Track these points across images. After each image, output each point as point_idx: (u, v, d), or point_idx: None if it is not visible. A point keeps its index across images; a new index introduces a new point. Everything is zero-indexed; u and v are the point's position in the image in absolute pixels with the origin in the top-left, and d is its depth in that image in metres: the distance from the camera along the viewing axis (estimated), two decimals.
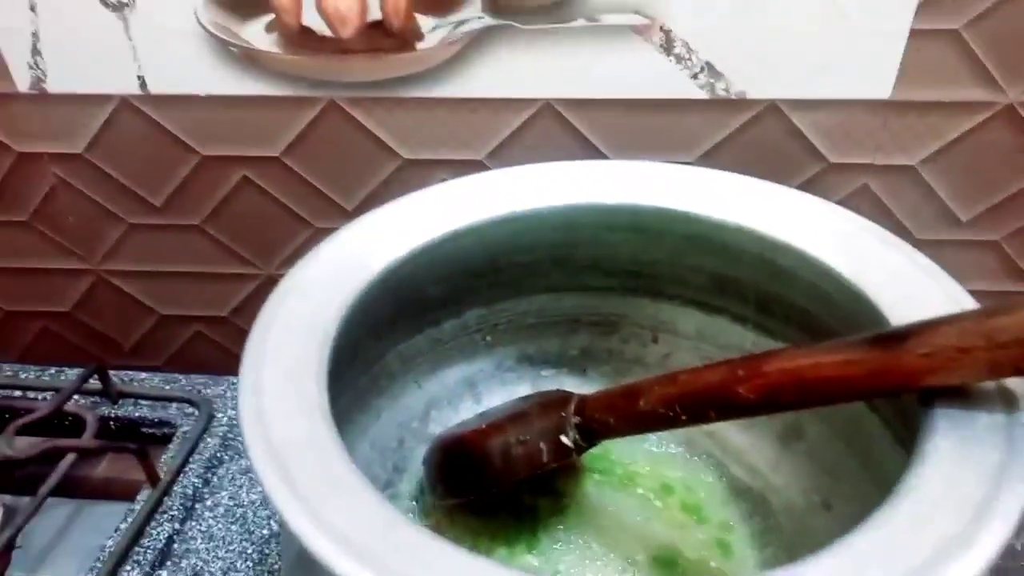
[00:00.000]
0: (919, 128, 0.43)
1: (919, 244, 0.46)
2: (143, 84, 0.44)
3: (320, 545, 0.18)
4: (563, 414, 0.30)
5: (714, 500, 0.35)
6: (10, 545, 0.36)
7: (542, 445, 0.30)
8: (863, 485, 0.30)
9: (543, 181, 0.34)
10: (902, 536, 0.19)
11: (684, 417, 0.26)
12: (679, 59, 0.41)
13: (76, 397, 0.45)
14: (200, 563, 0.37)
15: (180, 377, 0.48)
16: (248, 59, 0.43)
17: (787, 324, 0.32)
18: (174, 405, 0.46)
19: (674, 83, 0.42)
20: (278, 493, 0.19)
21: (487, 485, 0.31)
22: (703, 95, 0.42)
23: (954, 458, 0.20)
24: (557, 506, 0.34)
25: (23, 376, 0.48)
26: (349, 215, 0.43)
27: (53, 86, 0.45)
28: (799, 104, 0.42)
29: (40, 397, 0.46)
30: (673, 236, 0.33)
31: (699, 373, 0.26)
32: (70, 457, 0.39)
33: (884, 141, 0.43)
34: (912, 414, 0.26)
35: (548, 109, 0.43)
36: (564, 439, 0.29)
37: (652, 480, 0.35)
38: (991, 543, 0.18)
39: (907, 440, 0.28)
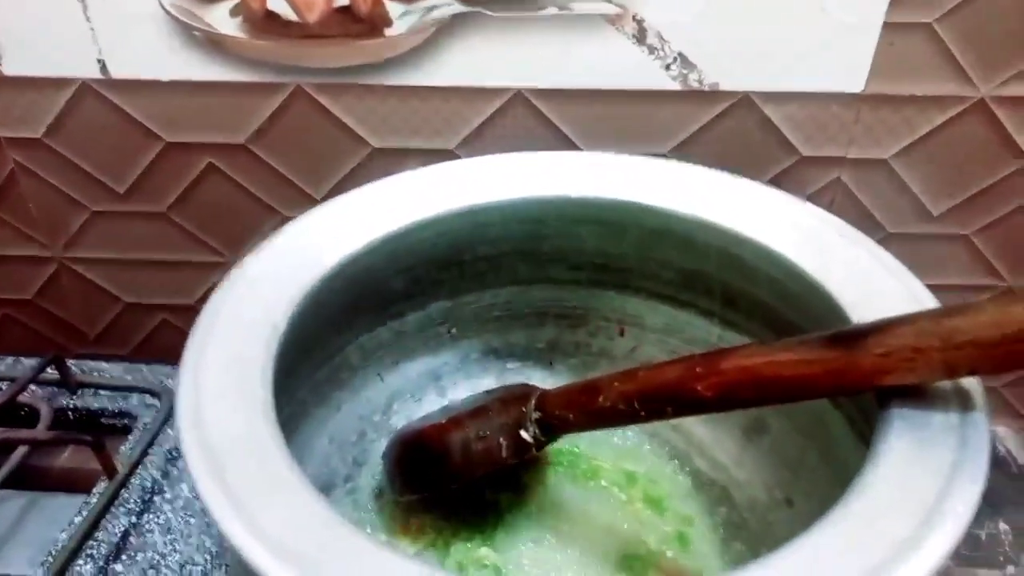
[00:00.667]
0: (892, 122, 0.43)
1: (891, 238, 0.47)
2: (104, 68, 0.43)
3: (254, 552, 0.17)
4: (523, 409, 0.29)
5: (677, 494, 0.35)
6: None
7: (501, 440, 0.29)
8: (825, 482, 0.30)
9: (509, 172, 0.33)
10: (854, 538, 0.18)
11: (643, 413, 0.25)
12: (652, 49, 0.41)
13: (33, 388, 0.44)
14: (157, 557, 0.36)
15: (142, 367, 0.47)
16: (212, 44, 0.42)
17: (752, 319, 0.32)
18: (135, 395, 0.45)
19: (647, 74, 0.41)
20: (211, 497, 0.18)
21: (446, 480, 0.31)
22: (676, 86, 0.42)
23: (908, 458, 0.20)
24: (519, 500, 0.34)
25: None
26: (318, 204, 0.43)
27: (9, 68, 0.43)
28: (772, 96, 0.42)
29: None
30: (640, 230, 0.32)
31: (658, 370, 0.25)
32: (22, 449, 0.38)
33: (857, 134, 0.43)
34: (875, 412, 0.26)
35: (519, 99, 0.43)
36: (524, 434, 0.29)
37: (616, 473, 0.35)
38: (941, 545, 0.18)
39: (869, 438, 0.28)
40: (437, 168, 0.33)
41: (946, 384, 0.22)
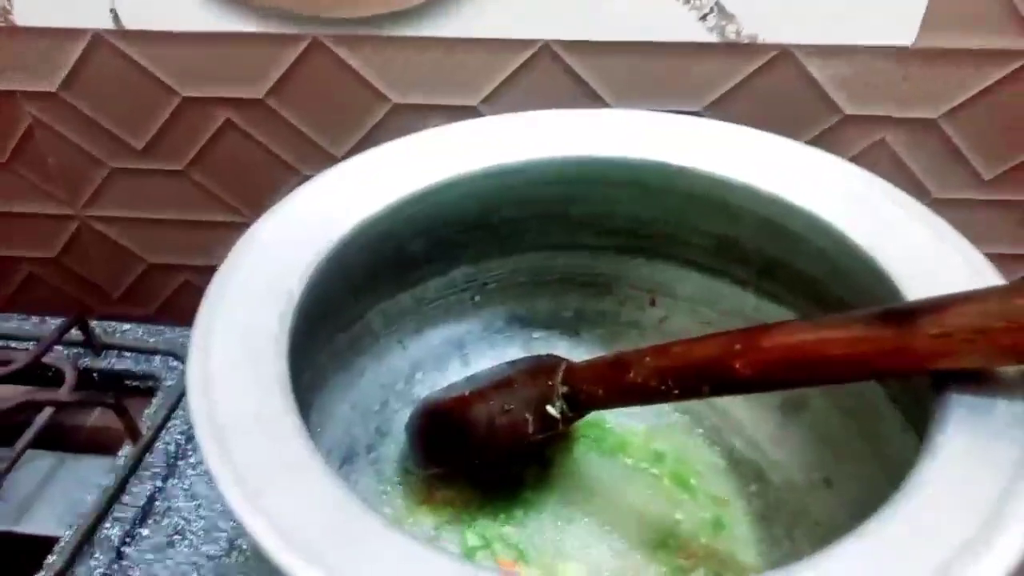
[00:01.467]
0: (943, 78, 0.40)
1: (937, 204, 0.45)
2: (116, 18, 0.42)
3: (265, 538, 0.16)
4: (550, 383, 0.28)
5: (710, 473, 0.33)
6: None
7: (527, 415, 0.28)
8: (867, 464, 0.29)
9: (538, 130, 0.31)
10: (908, 539, 0.17)
11: (676, 391, 0.24)
12: None
13: (59, 348, 0.44)
14: (182, 522, 0.36)
15: (165, 328, 0.47)
16: None
17: (792, 291, 0.30)
18: (158, 358, 0.45)
19: (681, 25, 0.39)
20: (222, 479, 0.17)
21: (470, 455, 0.30)
22: (712, 38, 0.39)
23: (968, 452, 0.18)
24: (544, 475, 0.33)
25: (3, 325, 0.47)
26: (338, 162, 0.41)
27: (21, 19, 0.42)
28: (815, 50, 0.39)
29: (21, 347, 0.45)
30: (675, 194, 0.30)
31: (693, 345, 0.24)
32: (47, 411, 0.37)
33: (905, 92, 0.40)
34: (925, 392, 0.25)
35: (547, 51, 0.40)
36: (550, 409, 0.28)
37: (645, 450, 0.34)
38: (1008, 549, 0.16)
39: (918, 420, 0.26)
40: (461, 125, 0.31)
41: (1010, 370, 0.20)
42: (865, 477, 0.29)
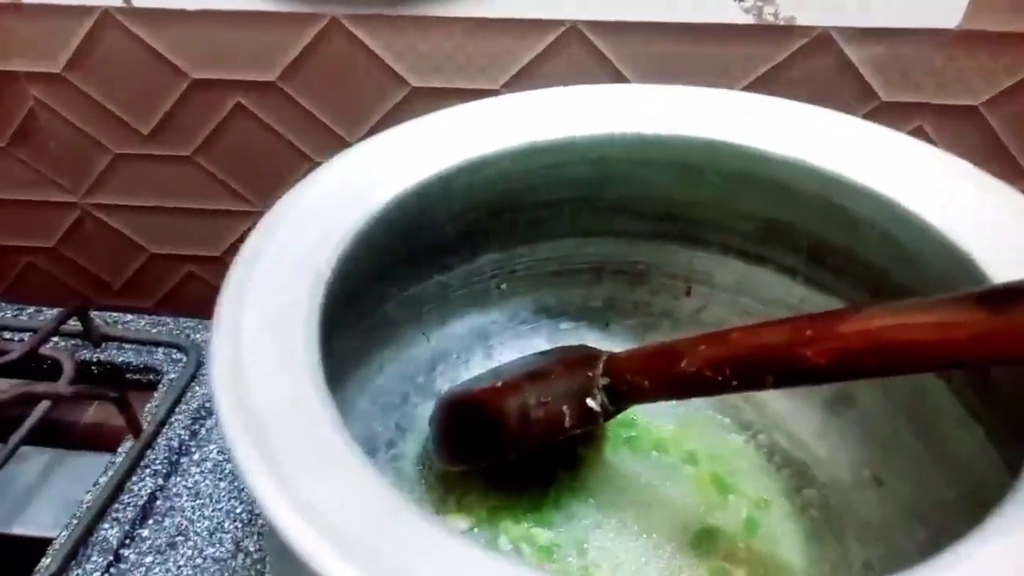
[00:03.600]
0: (989, 63, 0.38)
1: None
2: None
3: (303, 538, 0.14)
4: (590, 374, 0.26)
5: (750, 472, 0.31)
6: None
7: (565, 408, 0.26)
8: (922, 461, 0.27)
9: (571, 107, 0.30)
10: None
11: (735, 383, 0.22)
12: None
13: (56, 339, 0.42)
14: (185, 522, 0.34)
15: (168, 320, 0.45)
16: None
17: (848, 279, 0.28)
18: (161, 350, 0.43)
19: (716, 5, 0.37)
20: (253, 473, 0.15)
21: (501, 451, 0.28)
22: (748, 20, 0.38)
23: None
24: (574, 475, 0.31)
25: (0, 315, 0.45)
26: (363, 140, 0.40)
27: None
28: (854, 33, 0.38)
29: (18, 338, 0.42)
30: (720, 173, 0.28)
31: (755, 332, 0.22)
32: (44, 404, 0.35)
33: (947, 77, 0.39)
34: (992, 383, 0.23)
35: (574, 32, 0.39)
36: (590, 402, 0.26)
37: (680, 448, 0.32)
38: None
39: (983, 414, 0.25)
40: (491, 102, 0.30)
41: None
42: (920, 474, 0.27)
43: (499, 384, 0.28)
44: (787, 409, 0.32)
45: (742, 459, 0.32)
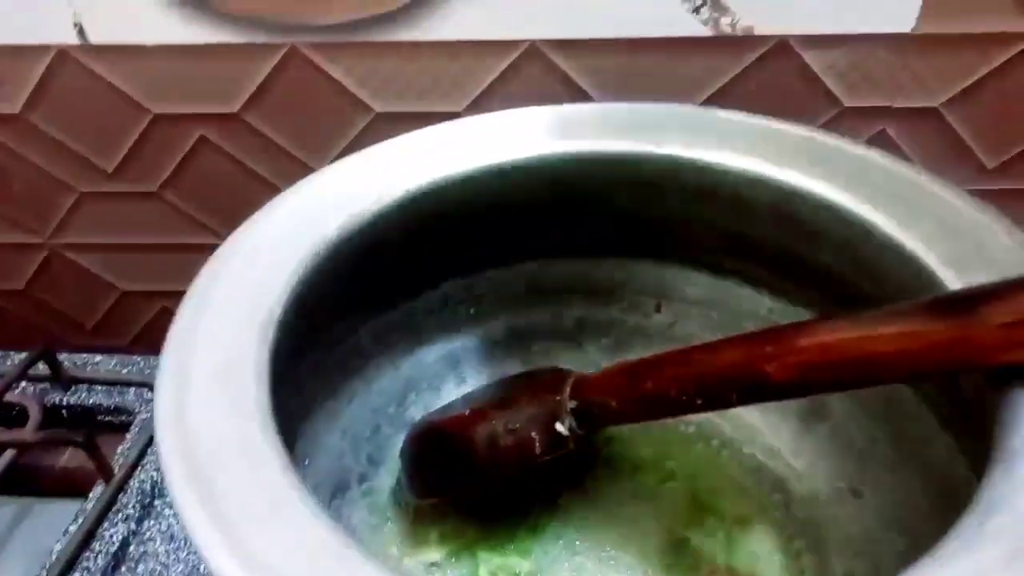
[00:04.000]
0: (944, 65, 0.38)
1: None
2: (81, 32, 0.39)
3: None
4: (558, 397, 0.26)
5: (727, 487, 0.31)
6: None
7: (534, 434, 0.26)
8: (898, 470, 0.27)
9: (529, 127, 0.29)
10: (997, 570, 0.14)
11: (699, 402, 0.22)
12: None
13: (24, 384, 0.41)
14: (159, 567, 0.33)
15: (138, 359, 0.44)
16: (198, 1, 0.38)
17: (811, 288, 0.28)
18: (132, 390, 0.42)
19: (673, 19, 0.37)
20: (197, 526, 0.15)
21: (472, 481, 0.27)
22: (706, 32, 0.38)
23: None
24: (552, 501, 0.30)
25: None
26: (317, 171, 0.39)
27: None
28: (812, 40, 0.38)
29: None
30: (680, 188, 0.28)
31: (717, 349, 0.22)
32: (9, 453, 0.35)
33: (905, 81, 0.39)
34: (960, 389, 0.22)
35: (534, 51, 0.39)
36: (559, 427, 0.26)
37: (658, 468, 0.32)
38: None
39: (954, 420, 0.24)
40: (448, 126, 0.29)
41: None
42: (898, 485, 0.27)
43: (467, 412, 0.27)
44: (762, 422, 0.32)
45: (720, 477, 0.31)
